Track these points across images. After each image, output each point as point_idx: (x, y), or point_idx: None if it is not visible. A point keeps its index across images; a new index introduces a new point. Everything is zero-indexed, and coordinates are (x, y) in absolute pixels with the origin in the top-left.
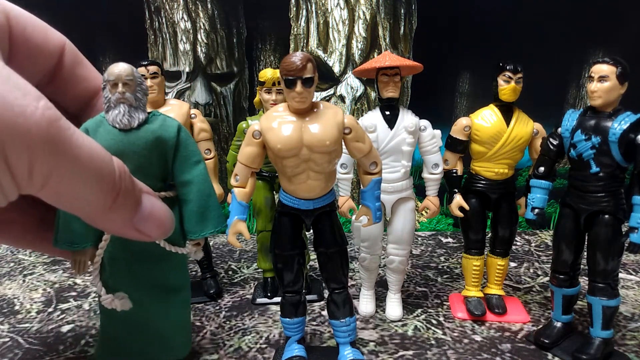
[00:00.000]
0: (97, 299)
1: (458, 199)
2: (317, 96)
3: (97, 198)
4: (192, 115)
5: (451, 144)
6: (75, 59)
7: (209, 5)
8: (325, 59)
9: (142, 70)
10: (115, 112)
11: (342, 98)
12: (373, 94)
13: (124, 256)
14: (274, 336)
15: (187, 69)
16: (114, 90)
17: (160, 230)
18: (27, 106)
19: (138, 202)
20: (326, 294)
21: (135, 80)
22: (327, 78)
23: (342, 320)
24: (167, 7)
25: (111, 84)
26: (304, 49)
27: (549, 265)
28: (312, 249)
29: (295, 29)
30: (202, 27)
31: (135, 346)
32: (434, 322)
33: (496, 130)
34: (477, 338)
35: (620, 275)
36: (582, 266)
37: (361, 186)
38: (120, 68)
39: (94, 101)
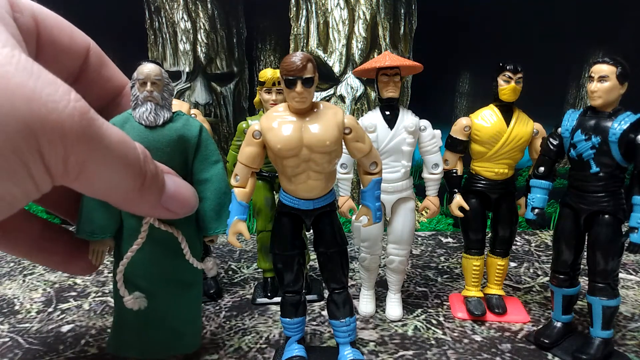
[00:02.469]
0: (97, 297)
1: (458, 199)
2: (317, 96)
3: (127, 183)
4: (192, 115)
5: (451, 144)
6: (99, 60)
7: (209, 5)
8: (325, 59)
9: None
10: (142, 110)
11: (342, 98)
12: (373, 94)
13: (143, 249)
14: (274, 336)
15: (187, 69)
16: (143, 89)
17: (186, 207)
18: (59, 101)
19: (163, 183)
20: (326, 294)
21: (163, 81)
22: (327, 78)
23: (342, 320)
24: (167, 7)
25: (140, 82)
26: (304, 49)
27: (549, 265)
28: (312, 249)
29: (295, 29)
30: (202, 27)
31: (147, 338)
32: (434, 322)
33: (496, 130)
34: (477, 338)
35: (620, 275)
36: (582, 266)
37: (361, 186)
38: (149, 68)
39: (117, 100)
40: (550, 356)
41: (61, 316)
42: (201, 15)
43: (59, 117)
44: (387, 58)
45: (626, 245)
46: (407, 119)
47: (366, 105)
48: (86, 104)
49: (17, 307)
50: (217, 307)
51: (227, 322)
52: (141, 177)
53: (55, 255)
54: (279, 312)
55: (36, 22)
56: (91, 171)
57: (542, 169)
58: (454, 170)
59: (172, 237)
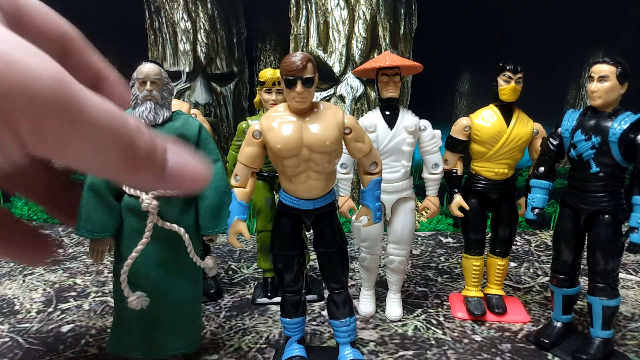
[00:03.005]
0: (97, 297)
1: (458, 199)
2: (317, 96)
3: (117, 157)
4: (192, 115)
5: (451, 144)
6: (81, 47)
7: (209, 5)
8: (325, 59)
9: None
10: (142, 109)
11: (342, 98)
12: (373, 94)
13: (145, 249)
14: (274, 336)
15: (187, 69)
16: (142, 88)
17: (195, 182)
18: (32, 65)
19: (163, 157)
20: (326, 294)
21: (162, 80)
22: (327, 78)
23: (342, 320)
24: (167, 7)
25: (140, 82)
26: (304, 49)
27: (549, 265)
28: (312, 249)
29: (295, 29)
30: (202, 27)
31: (147, 338)
32: (434, 322)
33: (496, 130)
34: (477, 338)
35: (620, 275)
36: (582, 266)
37: (361, 186)
38: (149, 67)
39: (98, 87)
40: (550, 356)
41: (61, 316)
42: (201, 15)
43: (33, 83)
44: (387, 58)
45: (626, 245)
46: (407, 119)
47: (366, 105)
48: (63, 70)
49: (17, 307)
50: (217, 307)
51: (227, 322)
52: (133, 151)
53: (11, 244)
54: (279, 312)
55: (18, 6)
56: (72, 144)
57: (542, 169)
58: (454, 170)
59: (174, 236)
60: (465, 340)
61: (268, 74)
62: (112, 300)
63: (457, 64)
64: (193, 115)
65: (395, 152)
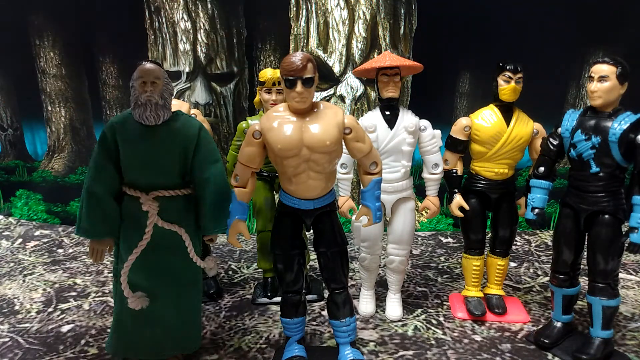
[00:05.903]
0: (97, 297)
1: (458, 199)
2: (317, 96)
3: None
4: (192, 115)
5: (451, 144)
6: None
7: (209, 5)
8: (325, 59)
9: None
10: (142, 109)
11: (342, 98)
12: (373, 94)
13: (144, 248)
14: (274, 336)
15: (187, 69)
16: (142, 89)
17: None
18: None
19: None
20: (326, 294)
21: (162, 80)
22: (327, 78)
23: (342, 321)
24: (167, 7)
25: (140, 82)
26: (304, 49)
27: (549, 265)
28: (312, 249)
29: (295, 29)
30: (202, 27)
31: (147, 339)
32: (434, 322)
33: (496, 130)
34: (477, 338)
35: (620, 275)
36: (582, 266)
37: (361, 186)
38: (149, 68)
39: None
40: (550, 356)
41: (61, 316)
42: (201, 15)
43: None
44: (387, 58)
45: (626, 245)
46: (407, 119)
47: (366, 105)
48: None
49: (17, 307)
50: (217, 307)
51: (227, 322)
52: None
53: None
54: (279, 312)
55: None
56: None
57: (542, 169)
58: (454, 170)
59: (174, 236)
60: (465, 340)
61: (268, 74)
62: (112, 300)
63: (457, 64)
64: (193, 115)
65: (395, 152)
